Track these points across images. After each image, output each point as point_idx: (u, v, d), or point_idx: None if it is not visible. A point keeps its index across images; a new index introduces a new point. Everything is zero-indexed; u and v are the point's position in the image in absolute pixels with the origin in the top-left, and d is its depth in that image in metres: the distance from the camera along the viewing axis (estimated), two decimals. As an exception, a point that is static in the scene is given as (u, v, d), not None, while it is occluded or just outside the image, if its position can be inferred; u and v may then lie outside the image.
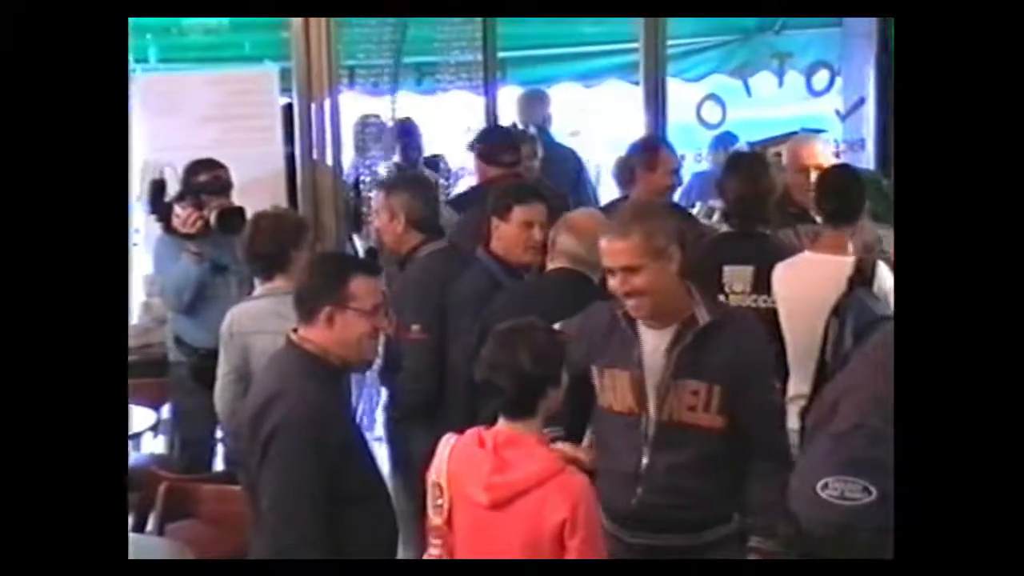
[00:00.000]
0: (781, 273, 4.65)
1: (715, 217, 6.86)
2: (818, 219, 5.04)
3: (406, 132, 7.22)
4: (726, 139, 7.90)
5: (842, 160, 7.07)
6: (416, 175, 6.13)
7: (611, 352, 3.63)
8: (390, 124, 7.13)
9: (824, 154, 5.62)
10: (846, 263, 4.39)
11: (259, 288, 4.68)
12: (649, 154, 5.83)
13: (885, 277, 4.37)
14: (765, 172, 5.01)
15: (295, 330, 3.49)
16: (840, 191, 4.71)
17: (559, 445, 3.44)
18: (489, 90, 7.24)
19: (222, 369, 4.68)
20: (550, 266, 4.41)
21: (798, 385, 4.46)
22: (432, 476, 3.31)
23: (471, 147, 6.27)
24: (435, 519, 3.29)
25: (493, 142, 6.15)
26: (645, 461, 3.58)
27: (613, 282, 3.59)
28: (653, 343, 3.60)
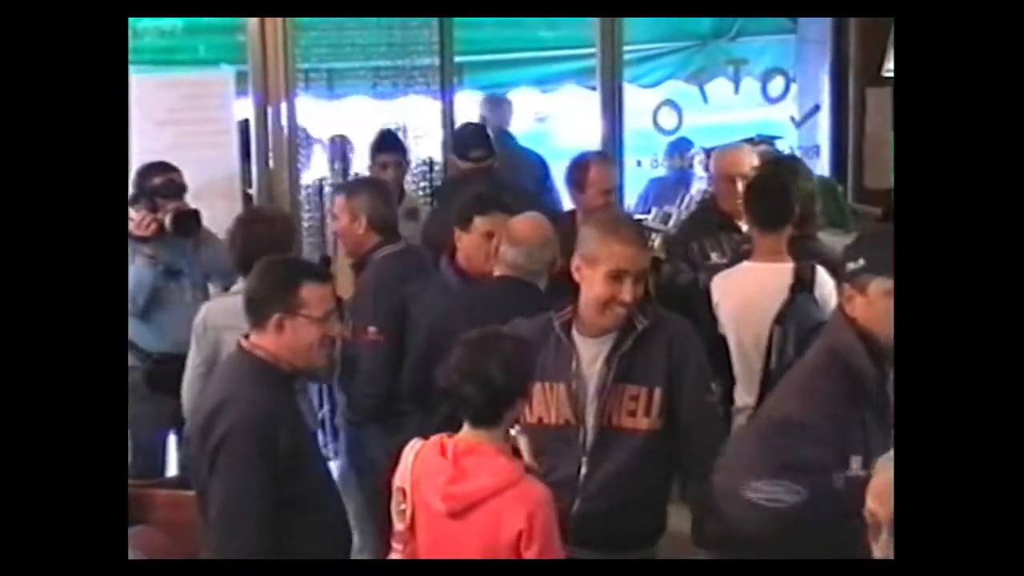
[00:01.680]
0: (720, 284, 4.65)
1: (671, 223, 6.91)
2: (743, 227, 5.06)
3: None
4: (681, 145, 7.94)
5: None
6: (374, 179, 6.14)
7: (544, 365, 3.59)
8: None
9: (748, 162, 5.60)
10: (784, 270, 4.41)
11: (237, 284, 4.67)
12: (580, 174, 5.70)
13: (824, 283, 4.38)
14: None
15: (246, 336, 3.47)
16: (768, 196, 4.73)
17: (514, 432, 3.42)
18: (446, 95, 7.24)
19: (192, 361, 4.67)
20: (495, 273, 4.40)
21: (744, 396, 4.47)
22: (396, 481, 3.31)
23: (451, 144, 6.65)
24: (398, 524, 3.30)
25: (464, 138, 6.54)
26: (583, 471, 3.58)
27: (615, 288, 3.52)
28: (591, 352, 3.60)
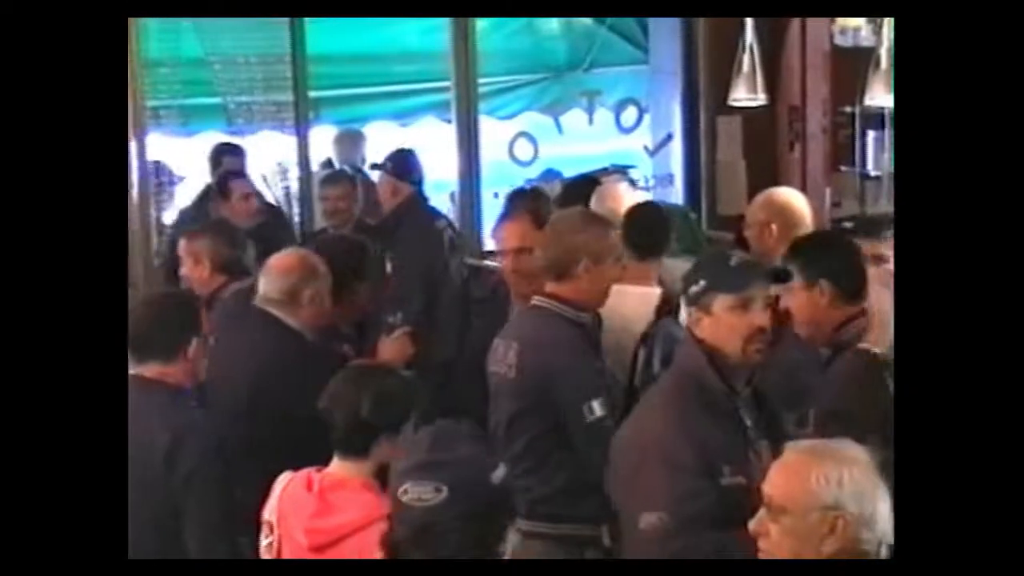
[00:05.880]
0: None
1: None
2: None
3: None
4: (549, 176, 7.99)
5: (651, 195, 7.26)
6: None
7: None
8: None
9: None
10: (652, 294, 4.48)
11: None
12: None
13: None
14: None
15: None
16: (646, 226, 4.81)
17: None
18: (301, 130, 7.20)
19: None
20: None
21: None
22: (265, 514, 3.29)
23: (382, 166, 6.56)
24: (265, 557, 3.27)
25: (401, 161, 6.52)
26: None
27: None
28: None
